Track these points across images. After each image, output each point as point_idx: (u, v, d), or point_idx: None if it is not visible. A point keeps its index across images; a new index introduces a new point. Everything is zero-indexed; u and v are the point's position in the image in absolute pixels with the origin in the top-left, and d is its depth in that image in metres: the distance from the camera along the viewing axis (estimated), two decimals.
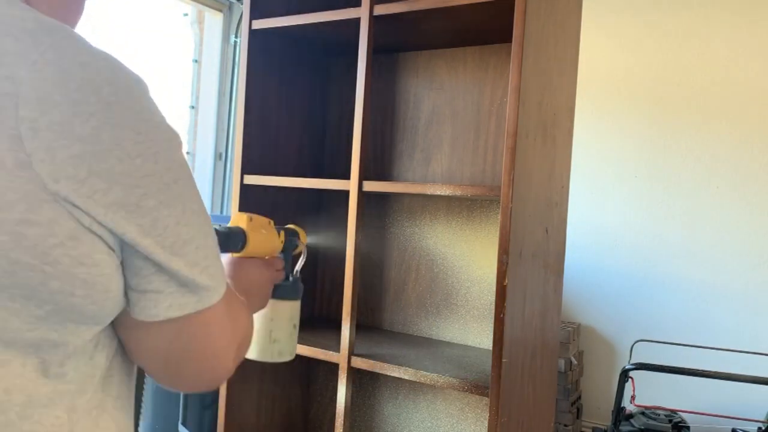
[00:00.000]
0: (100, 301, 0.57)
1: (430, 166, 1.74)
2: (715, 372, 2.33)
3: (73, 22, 0.71)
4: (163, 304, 0.60)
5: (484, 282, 1.65)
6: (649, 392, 2.97)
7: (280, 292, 1.13)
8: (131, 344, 0.64)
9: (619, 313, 3.52)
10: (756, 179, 3.21)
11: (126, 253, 0.58)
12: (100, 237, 0.55)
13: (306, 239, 1.20)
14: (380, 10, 1.46)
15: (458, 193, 1.35)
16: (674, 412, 2.74)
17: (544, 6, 1.34)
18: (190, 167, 5.11)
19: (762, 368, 2.72)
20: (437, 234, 1.73)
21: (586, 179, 3.57)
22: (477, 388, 1.32)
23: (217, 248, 0.66)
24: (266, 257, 1.06)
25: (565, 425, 3.29)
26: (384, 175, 1.82)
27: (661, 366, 2.45)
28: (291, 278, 1.15)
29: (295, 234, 1.16)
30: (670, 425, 2.65)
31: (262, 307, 1.06)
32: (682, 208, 3.37)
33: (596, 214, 3.57)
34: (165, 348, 0.64)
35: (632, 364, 2.51)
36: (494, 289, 1.27)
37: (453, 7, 1.34)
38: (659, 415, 2.72)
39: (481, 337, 1.66)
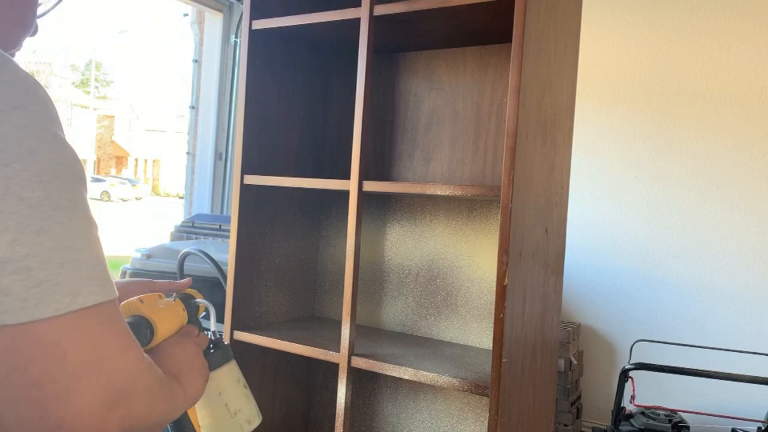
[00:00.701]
0: None
1: (430, 166, 1.74)
2: (715, 372, 2.33)
3: (12, 38, 0.69)
4: None
5: (484, 282, 1.65)
6: (649, 392, 2.97)
7: (212, 362, 1.00)
8: None
9: (619, 313, 3.52)
10: (756, 179, 3.21)
11: None
12: None
13: (201, 295, 1.06)
14: (380, 10, 1.46)
15: (458, 193, 1.35)
16: (674, 412, 2.74)
17: (544, 6, 1.34)
18: (190, 168, 5.08)
19: (762, 368, 2.72)
20: (437, 234, 1.73)
21: (586, 179, 3.57)
22: (477, 388, 1.32)
23: (78, 254, 0.55)
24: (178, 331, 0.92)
25: (565, 425, 3.29)
26: (384, 175, 1.82)
27: (661, 366, 2.45)
28: (212, 341, 1.02)
29: (190, 297, 1.03)
30: (670, 425, 2.65)
31: (206, 379, 0.92)
32: (682, 208, 3.37)
33: (596, 214, 3.57)
34: None
35: (632, 364, 2.51)
36: (494, 289, 1.27)
37: (453, 7, 1.34)
38: (659, 415, 2.72)
39: (481, 337, 1.66)
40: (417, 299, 1.76)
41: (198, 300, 1.00)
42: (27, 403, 0.50)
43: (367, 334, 1.73)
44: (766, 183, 3.19)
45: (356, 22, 1.50)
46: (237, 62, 4.35)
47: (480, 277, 1.66)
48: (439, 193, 1.38)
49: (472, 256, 1.68)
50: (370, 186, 1.48)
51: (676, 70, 3.40)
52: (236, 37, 4.34)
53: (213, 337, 1.00)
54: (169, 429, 0.93)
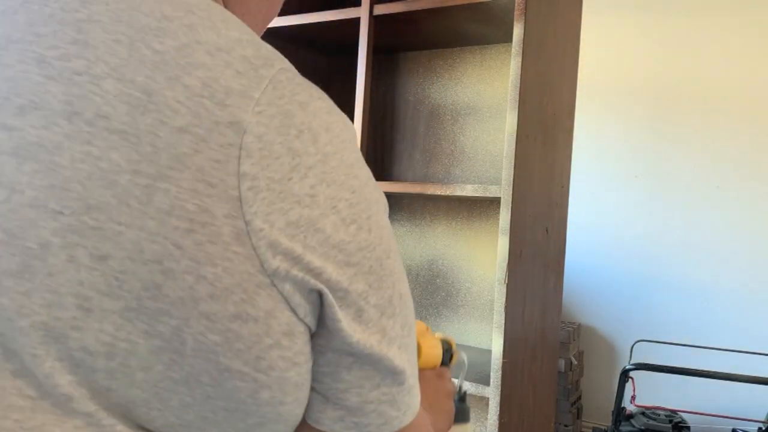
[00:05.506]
0: (304, 402, 0.45)
1: (430, 166, 1.74)
2: (715, 372, 2.33)
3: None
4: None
5: (484, 282, 1.65)
6: (649, 392, 2.97)
7: (456, 416, 0.91)
8: None
9: (619, 313, 3.52)
10: (756, 179, 3.21)
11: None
12: (309, 328, 0.43)
13: (456, 347, 0.98)
14: (380, 10, 1.46)
15: (458, 193, 1.35)
16: (674, 412, 2.74)
17: (544, 6, 1.34)
18: None
19: (762, 368, 2.72)
20: (437, 234, 1.73)
21: (586, 179, 3.57)
22: (477, 388, 1.31)
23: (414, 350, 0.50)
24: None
25: (565, 425, 3.29)
26: (384, 175, 1.82)
27: (661, 366, 2.45)
28: (459, 394, 0.96)
29: (447, 343, 0.95)
30: (670, 425, 2.65)
31: (450, 425, 0.84)
32: (682, 208, 3.37)
33: (596, 214, 3.57)
34: None
35: (632, 364, 2.51)
36: (494, 289, 1.27)
37: (453, 7, 1.34)
38: (659, 415, 2.72)
39: (481, 337, 1.66)
40: (417, 299, 1.76)
41: (452, 350, 0.93)
42: None
43: None
44: (766, 183, 3.19)
45: (356, 21, 1.50)
46: None
47: (480, 277, 1.66)
48: (439, 193, 1.37)
49: (472, 256, 1.68)
50: None
51: (677, 70, 3.40)
52: None
53: (458, 394, 0.94)
54: None
